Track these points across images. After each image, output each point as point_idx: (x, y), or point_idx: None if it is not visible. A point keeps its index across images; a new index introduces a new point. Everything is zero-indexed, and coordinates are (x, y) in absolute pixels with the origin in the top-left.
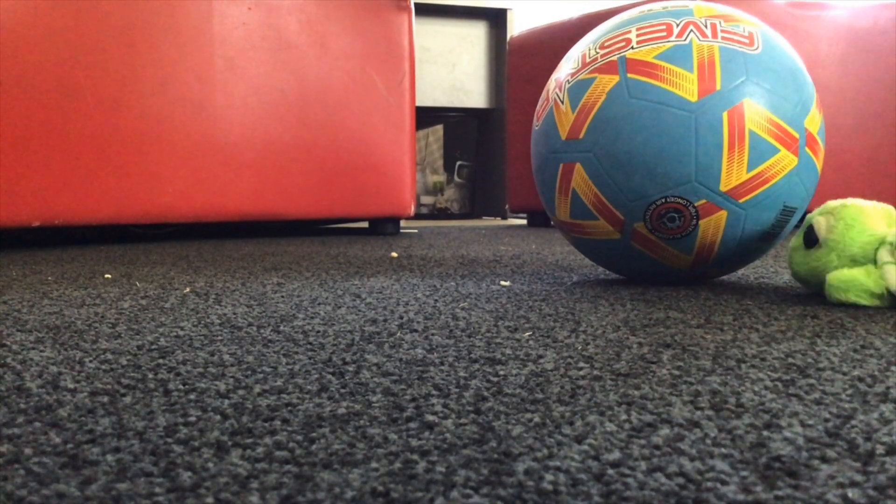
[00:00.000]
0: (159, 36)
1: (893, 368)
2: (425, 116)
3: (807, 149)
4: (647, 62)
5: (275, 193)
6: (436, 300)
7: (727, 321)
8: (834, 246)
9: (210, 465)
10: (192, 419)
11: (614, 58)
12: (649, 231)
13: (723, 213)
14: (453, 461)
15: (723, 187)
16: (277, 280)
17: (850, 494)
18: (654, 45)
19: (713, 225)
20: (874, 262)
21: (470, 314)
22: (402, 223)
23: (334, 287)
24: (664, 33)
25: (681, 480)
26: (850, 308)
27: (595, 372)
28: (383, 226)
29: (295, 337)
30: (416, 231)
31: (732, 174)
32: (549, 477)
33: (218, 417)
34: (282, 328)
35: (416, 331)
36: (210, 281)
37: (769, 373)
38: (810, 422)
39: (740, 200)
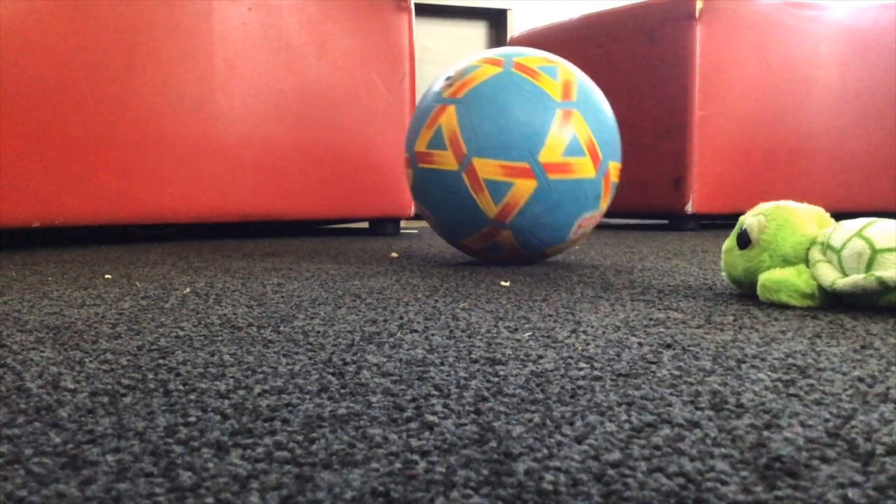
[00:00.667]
0: (159, 36)
1: (893, 369)
2: None
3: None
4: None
5: (275, 193)
6: (436, 300)
7: (727, 321)
8: (766, 246)
9: (210, 465)
10: (193, 419)
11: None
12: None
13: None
14: (453, 461)
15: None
16: (277, 280)
17: (850, 494)
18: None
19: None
20: (805, 261)
21: (470, 314)
22: (402, 223)
23: (334, 287)
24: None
25: (681, 480)
26: (850, 308)
27: (595, 372)
28: (383, 226)
29: (295, 337)
30: (416, 231)
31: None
32: (549, 477)
33: (218, 417)
34: (282, 328)
35: (416, 331)
36: (210, 281)
37: (769, 373)
38: (810, 422)
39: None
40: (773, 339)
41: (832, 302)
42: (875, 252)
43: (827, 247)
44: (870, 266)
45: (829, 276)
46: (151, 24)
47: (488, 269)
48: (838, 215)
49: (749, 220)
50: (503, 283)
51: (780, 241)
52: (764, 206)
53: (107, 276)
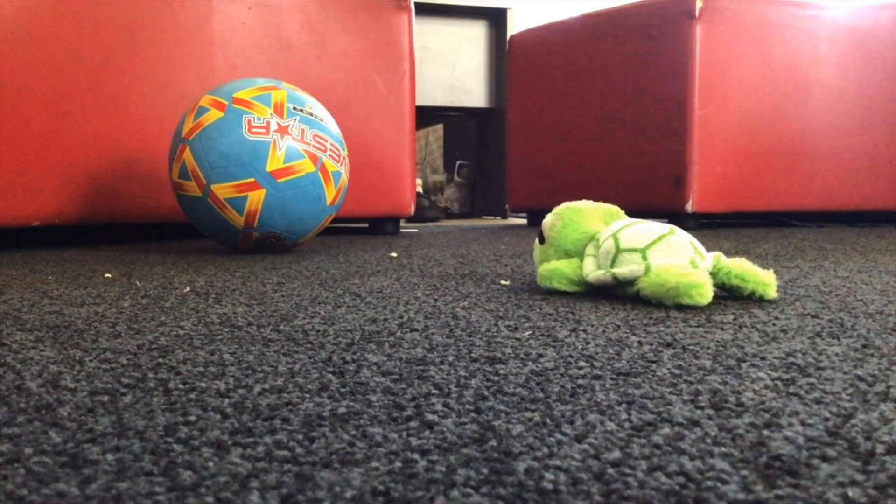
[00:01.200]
0: (159, 36)
1: (894, 368)
2: (425, 116)
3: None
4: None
5: None
6: (436, 300)
7: (727, 320)
8: (553, 242)
9: (210, 464)
10: (193, 418)
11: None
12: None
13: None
14: (453, 460)
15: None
16: (277, 279)
17: (850, 493)
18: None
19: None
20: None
21: (470, 313)
22: (402, 223)
23: (334, 287)
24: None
25: (681, 479)
26: (851, 308)
27: (595, 371)
28: (383, 225)
29: (295, 336)
30: (416, 231)
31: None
32: (549, 476)
33: (218, 416)
34: (282, 327)
35: (416, 330)
36: (210, 280)
37: (769, 372)
38: (810, 421)
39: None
40: (773, 337)
41: (595, 290)
42: (618, 251)
43: (597, 244)
44: (613, 262)
45: (587, 269)
46: (151, 24)
47: (488, 268)
48: (838, 215)
49: (547, 218)
50: (503, 282)
51: (563, 238)
52: (559, 206)
53: (107, 275)
